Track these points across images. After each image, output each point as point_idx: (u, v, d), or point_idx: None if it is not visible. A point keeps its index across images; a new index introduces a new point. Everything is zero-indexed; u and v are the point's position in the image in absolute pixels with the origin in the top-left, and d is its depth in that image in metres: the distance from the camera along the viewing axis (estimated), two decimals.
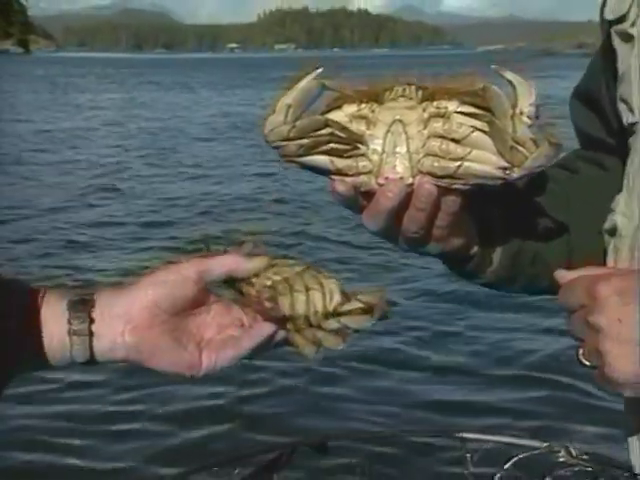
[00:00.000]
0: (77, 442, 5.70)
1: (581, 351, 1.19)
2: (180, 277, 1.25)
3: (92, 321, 1.21)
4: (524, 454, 1.81)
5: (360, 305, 1.24)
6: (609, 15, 1.45)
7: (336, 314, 1.24)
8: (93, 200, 15.33)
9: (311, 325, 1.24)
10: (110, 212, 14.36)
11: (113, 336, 1.21)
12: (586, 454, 1.77)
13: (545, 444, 1.81)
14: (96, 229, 13.01)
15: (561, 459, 1.80)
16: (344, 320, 1.24)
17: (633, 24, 1.38)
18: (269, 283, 1.24)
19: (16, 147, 22.28)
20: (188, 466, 1.60)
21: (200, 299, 1.27)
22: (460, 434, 1.82)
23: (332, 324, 1.24)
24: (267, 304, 1.22)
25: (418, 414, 6.11)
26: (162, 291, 1.23)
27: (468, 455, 1.81)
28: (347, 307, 1.24)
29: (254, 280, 1.26)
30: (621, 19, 1.41)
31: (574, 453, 1.79)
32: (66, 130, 27.77)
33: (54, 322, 1.21)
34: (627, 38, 1.40)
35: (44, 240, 12.14)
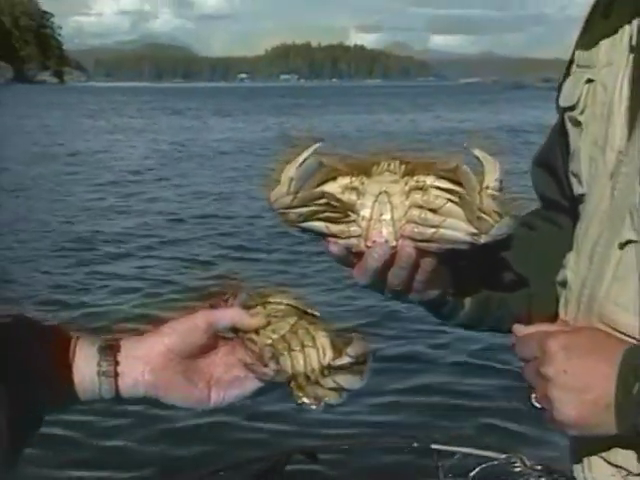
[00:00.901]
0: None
1: (533, 395, 1.23)
2: (191, 327, 1.29)
3: (117, 364, 1.26)
4: (487, 464, 1.86)
5: (349, 360, 1.24)
6: (563, 103, 1.48)
7: (330, 368, 1.25)
8: (113, 215, 15.29)
9: (309, 380, 1.25)
10: (129, 224, 14.34)
11: (135, 376, 1.26)
12: (538, 464, 1.82)
13: (504, 455, 1.86)
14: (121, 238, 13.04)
15: (517, 469, 1.86)
16: (338, 379, 1.24)
17: (582, 112, 1.42)
18: (269, 342, 1.26)
19: (51, 168, 22.03)
20: (191, 474, 1.63)
21: (209, 344, 1.30)
22: (433, 445, 1.87)
23: (328, 383, 1.25)
24: (271, 366, 1.23)
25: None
26: (175, 339, 1.28)
27: (440, 464, 1.86)
28: (339, 362, 1.24)
29: (255, 335, 1.28)
30: (572, 107, 1.44)
31: (528, 464, 1.84)
32: (95, 152, 27.67)
33: (86, 365, 1.25)
34: (576, 123, 1.44)
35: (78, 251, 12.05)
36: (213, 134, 35.94)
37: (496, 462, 1.86)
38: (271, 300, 1.33)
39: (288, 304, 1.33)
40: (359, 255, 1.28)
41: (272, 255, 11.70)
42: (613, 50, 1.36)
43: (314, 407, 1.26)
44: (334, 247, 1.27)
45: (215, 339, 1.31)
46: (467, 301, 1.47)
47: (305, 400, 1.25)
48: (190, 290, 9.24)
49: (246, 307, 1.32)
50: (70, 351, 1.26)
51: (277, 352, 1.24)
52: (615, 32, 1.36)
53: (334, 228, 1.27)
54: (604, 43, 1.38)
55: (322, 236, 1.30)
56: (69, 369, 1.25)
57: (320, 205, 1.26)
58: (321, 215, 1.27)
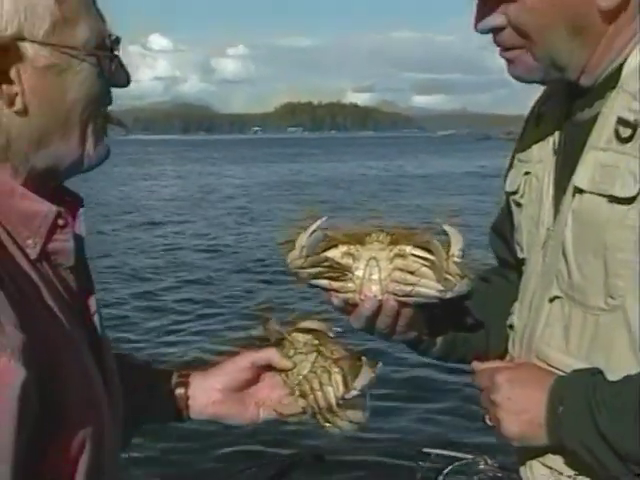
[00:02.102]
0: None
1: (487, 416, 1.31)
2: (238, 367, 1.38)
3: (188, 398, 1.36)
4: (458, 463, 1.91)
5: (357, 393, 1.30)
6: (508, 188, 1.52)
7: (343, 399, 1.31)
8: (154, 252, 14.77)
9: (329, 410, 1.32)
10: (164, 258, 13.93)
11: (200, 407, 1.36)
12: (497, 464, 1.87)
13: (470, 456, 1.91)
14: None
15: (481, 466, 1.92)
16: (348, 414, 1.32)
17: (522, 196, 1.46)
18: (297, 382, 1.34)
19: (105, 207, 21.64)
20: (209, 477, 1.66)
21: (254, 376, 1.39)
22: (419, 449, 1.91)
23: (343, 416, 1.32)
24: (301, 403, 1.33)
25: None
26: (227, 378, 1.37)
27: (421, 463, 1.91)
28: (348, 396, 1.30)
29: (285, 376, 1.36)
30: (515, 192, 1.48)
31: (489, 463, 1.89)
32: (134, 194, 27.64)
33: (168, 396, 1.36)
34: (518, 205, 1.48)
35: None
36: (231, 178, 35.58)
37: (465, 462, 1.93)
38: (298, 327, 1.38)
39: (311, 329, 1.37)
40: (354, 306, 1.33)
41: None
42: (542, 151, 1.42)
43: (335, 433, 1.34)
44: (335, 299, 1.34)
45: (259, 372, 1.39)
46: (438, 340, 1.51)
47: (327, 427, 1.34)
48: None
49: (278, 339, 1.38)
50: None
51: (303, 393, 1.33)
52: (543, 137, 1.42)
53: (335, 284, 1.34)
54: (536, 145, 1.44)
55: (326, 290, 1.35)
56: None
57: (324, 267, 1.33)
58: (325, 274, 1.34)
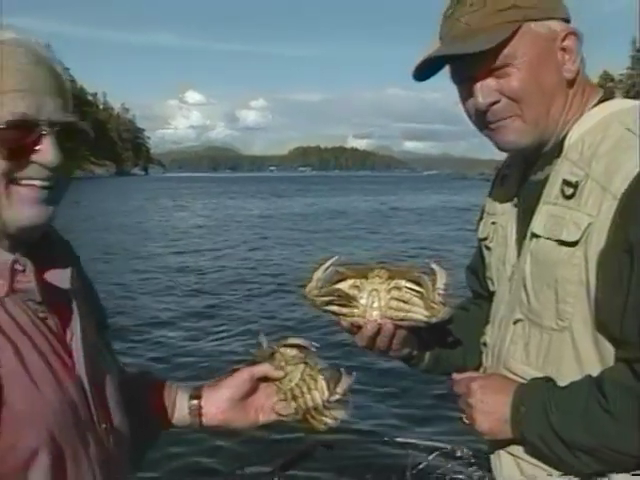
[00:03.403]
0: None
1: (464, 416, 1.33)
2: (240, 380, 1.37)
3: (201, 407, 1.35)
4: (438, 452, 1.91)
5: (338, 397, 1.31)
6: (480, 235, 1.54)
7: (328, 401, 1.31)
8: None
9: (316, 411, 1.32)
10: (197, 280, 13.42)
11: (211, 415, 1.35)
12: (471, 452, 1.88)
13: (450, 446, 1.91)
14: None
15: (458, 454, 1.94)
16: (334, 413, 1.32)
17: (490, 241, 1.49)
18: (289, 388, 1.34)
19: (141, 238, 21.13)
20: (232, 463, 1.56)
21: (253, 387, 1.38)
22: (400, 439, 1.90)
23: (329, 414, 1.32)
24: (293, 405, 1.33)
25: None
26: (232, 390, 1.36)
27: (410, 451, 1.91)
28: (332, 399, 1.31)
29: (279, 383, 1.35)
30: (485, 239, 1.51)
31: (465, 451, 1.90)
32: (171, 222, 27.48)
33: (182, 406, 1.36)
34: (488, 248, 1.50)
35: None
36: (251, 210, 35.35)
37: (445, 450, 1.94)
38: (285, 343, 1.38)
39: (296, 344, 1.37)
40: (359, 328, 1.37)
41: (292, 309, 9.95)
42: (505, 205, 1.45)
43: (322, 429, 1.34)
44: (343, 323, 1.38)
45: (256, 382, 1.38)
46: (426, 356, 1.54)
47: (315, 425, 1.34)
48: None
49: (270, 354, 1.37)
50: (172, 396, 1.36)
51: (295, 397, 1.34)
52: (506, 194, 1.45)
53: (344, 310, 1.38)
54: (500, 201, 1.47)
55: (335, 315, 1.39)
56: (173, 407, 1.36)
57: (335, 296, 1.37)
58: (336, 302, 1.38)
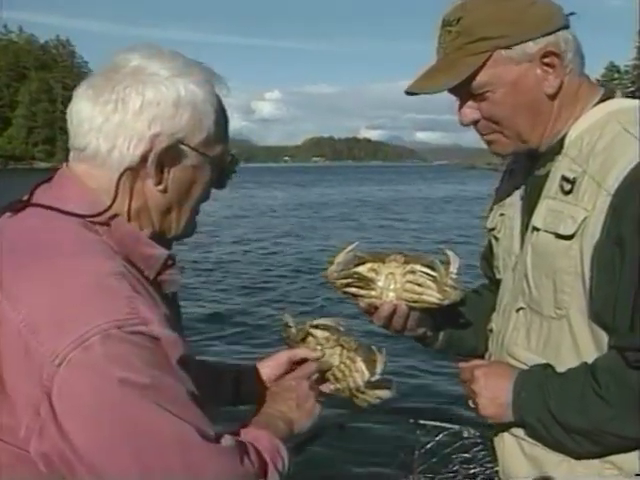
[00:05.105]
0: None
1: (470, 401, 1.37)
2: (278, 363, 1.40)
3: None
4: (446, 432, 1.95)
5: (379, 377, 1.33)
6: (488, 226, 1.55)
7: (369, 382, 1.34)
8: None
9: (358, 391, 1.35)
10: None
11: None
12: (478, 433, 1.91)
13: (457, 426, 1.96)
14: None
15: (465, 434, 1.98)
16: (378, 392, 1.35)
17: (498, 232, 1.50)
18: (331, 372, 1.36)
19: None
20: None
21: (289, 370, 1.39)
22: (413, 420, 1.92)
23: (372, 394, 1.35)
24: (338, 386, 1.35)
25: None
26: (270, 371, 1.39)
27: (418, 431, 1.95)
28: (373, 379, 1.34)
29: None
30: (493, 229, 1.53)
31: (471, 432, 1.94)
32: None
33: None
34: (496, 239, 1.52)
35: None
36: (266, 199, 34.80)
37: (452, 431, 1.97)
38: (314, 324, 1.40)
39: (326, 325, 1.39)
40: (376, 309, 1.42)
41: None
42: (512, 197, 1.47)
43: (366, 407, 1.37)
44: (361, 303, 1.43)
45: (293, 365, 1.40)
46: (440, 336, 1.59)
47: (358, 404, 1.36)
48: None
49: (302, 337, 1.40)
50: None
51: (338, 379, 1.37)
52: (513, 187, 1.48)
53: (362, 292, 1.42)
54: (508, 193, 1.49)
55: (354, 296, 1.44)
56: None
57: (354, 279, 1.42)
58: (355, 284, 1.42)
